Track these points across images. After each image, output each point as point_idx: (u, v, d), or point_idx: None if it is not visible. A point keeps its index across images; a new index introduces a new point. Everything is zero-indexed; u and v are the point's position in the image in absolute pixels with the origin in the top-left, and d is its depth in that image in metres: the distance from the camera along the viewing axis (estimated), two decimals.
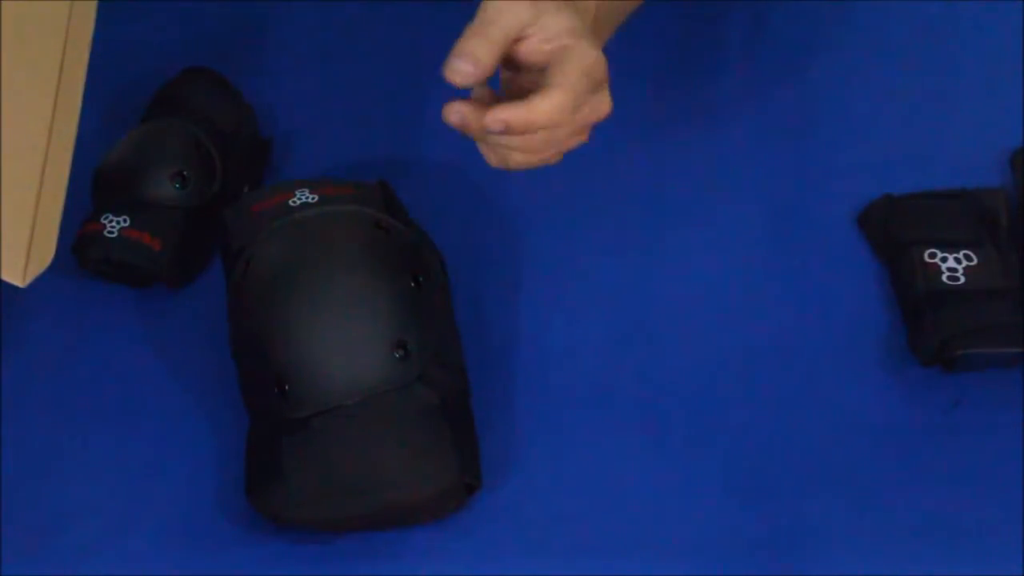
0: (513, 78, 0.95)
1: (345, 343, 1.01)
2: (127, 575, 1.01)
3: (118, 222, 1.13)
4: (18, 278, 0.94)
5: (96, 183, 1.16)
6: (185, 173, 1.14)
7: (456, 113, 0.92)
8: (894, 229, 1.13)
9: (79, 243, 1.13)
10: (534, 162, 0.94)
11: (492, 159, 0.95)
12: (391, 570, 1.01)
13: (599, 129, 0.94)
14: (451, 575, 1.01)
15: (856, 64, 1.26)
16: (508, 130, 0.89)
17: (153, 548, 1.02)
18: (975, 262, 1.09)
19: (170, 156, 1.15)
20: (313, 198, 1.06)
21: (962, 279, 1.09)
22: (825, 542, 1.01)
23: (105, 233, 1.13)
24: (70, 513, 1.04)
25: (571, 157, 1.20)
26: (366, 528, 1.01)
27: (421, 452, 1.00)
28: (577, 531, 1.02)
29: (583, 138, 0.94)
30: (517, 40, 0.92)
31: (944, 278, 1.09)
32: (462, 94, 0.94)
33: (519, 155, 0.93)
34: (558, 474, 1.04)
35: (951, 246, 1.10)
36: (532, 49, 0.92)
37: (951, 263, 1.09)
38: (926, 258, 1.10)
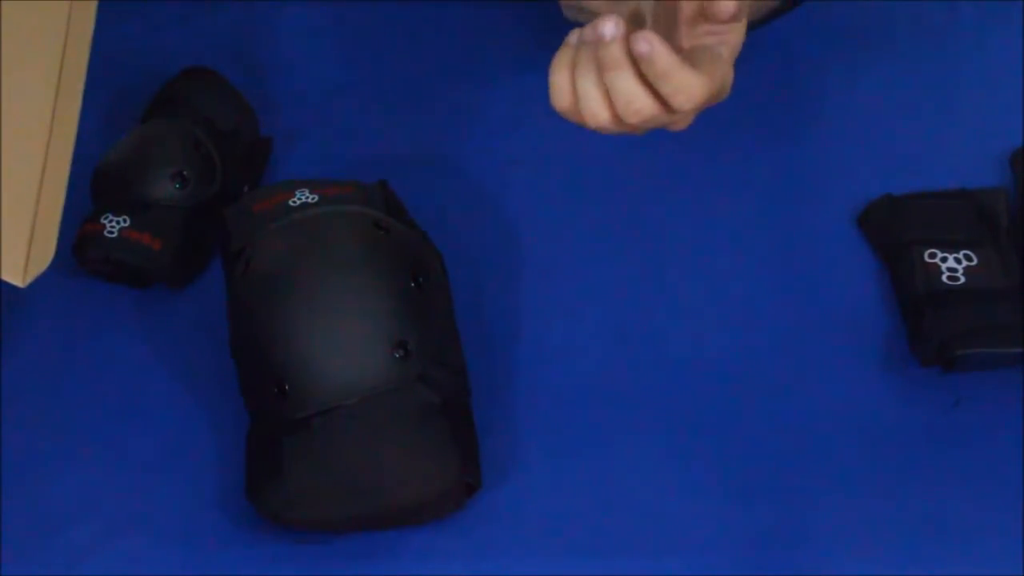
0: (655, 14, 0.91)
1: (345, 343, 1.01)
2: (127, 575, 1.01)
3: (118, 222, 1.13)
4: (18, 278, 0.94)
5: (96, 183, 1.16)
6: (185, 173, 1.14)
7: (615, 23, 0.85)
8: (894, 229, 1.13)
9: (79, 243, 1.13)
10: (608, 130, 0.88)
11: (565, 101, 0.88)
12: (391, 570, 1.01)
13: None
14: (451, 575, 1.01)
15: (856, 64, 1.26)
16: (649, 55, 0.84)
17: (153, 548, 1.02)
18: (975, 262, 1.09)
19: (170, 156, 1.15)
20: (313, 198, 1.06)
21: (962, 279, 1.09)
22: (825, 542, 1.01)
23: (105, 233, 1.13)
24: (70, 513, 1.04)
25: (571, 157, 1.20)
26: (366, 528, 1.01)
27: (421, 452, 1.00)
28: (577, 531, 1.02)
29: (642, 132, 0.91)
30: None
31: (944, 278, 1.09)
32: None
33: (607, 115, 0.87)
34: (558, 474, 1.04)
35: (951, 246, 1.10)
36: (699, 29, 0.89)
37: (951, 263, 1.09)
38: (926, 258, 1.10)
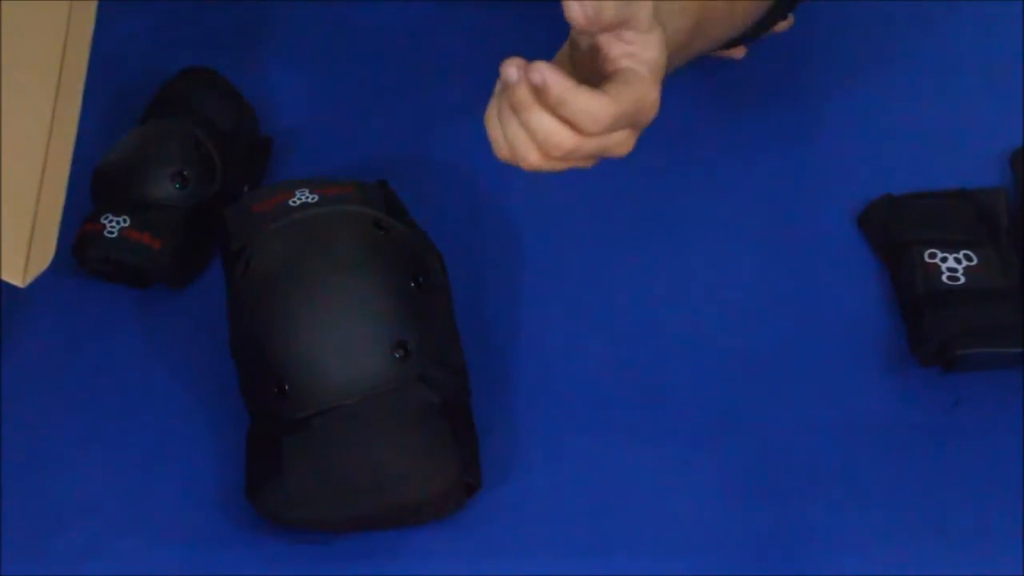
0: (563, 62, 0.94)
1: (345, 343, 1.01)
2: (127, 575, 1.01)
3: (118, 222, 1.13)
4: (18, 278, 0.94)
5: (96, 183, 1.16)
6: (185, 173, 1.14)
7: (517, 66, 0.88)
8: (894, 229, 1.13)
9: (79, 243, 1.13)
10: (544, 167, 0.91)
11: (503, 150, 0.92)
12: (391, 570, 1.01)
13: None
14: (451, 575, 1.01)
15: (856, 64, 1.26)
16: (542, 88, 0.87)
17: (153, 548, 1.02)
18: (975, 262, 1.09)
19: (170, 156, 1.15)
20: (313, 198, 1.06)
21: (962, 279, 1.09)
22: (825, 542, 1.01)
23: (105, 233, 1.13)
24: (70, 513, 1.04)
25: None
26: (366, 528, 1.01)
27: (421, 452, 1.00)
28: (577, 531, 1.02)
29: (590, 163, 0.93)
30: (613, 29, 0.90)
31: (944, 278, 1.09)
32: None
33: (535, 155, 0.90)
34: (558, 474, 1.04)
35: (951, 246, 1.10)
36: (612, 53, 0.90)
37: (951, 263, 1.09)
38: (926, 258, 1.10)
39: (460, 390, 1.04)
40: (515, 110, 0.88)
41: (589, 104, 0.87)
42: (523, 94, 0.88)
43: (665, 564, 1.00)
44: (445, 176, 1.20)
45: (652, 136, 1.22)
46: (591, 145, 0.89)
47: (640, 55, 0.90)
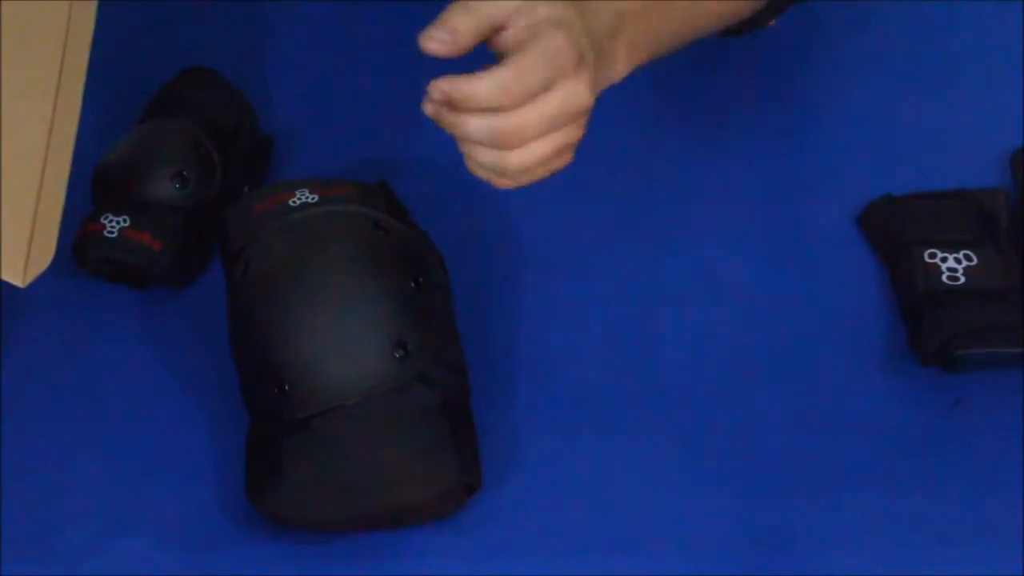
0: None
1: (345, 343, 1.01)
2: (127, 575, 1.01)
3: (118, 222, 1.13)
4: (18, 278, 0.94)
5: (96, 183, 1.16)
6: (185, 173, 1.14)
7: (428, 102, 0.89)
8: (894, 229, 1.13)
9: (79, 243, 1.13)
10: (533, 161, 0.90)
11: (500, 179, 0.92)
12: (391, 570, 1.01)
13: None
14: (451, 575, 1.01)
15: (856, 64, 1.26)
16: (448, 101, 0.87)
17: (153, 548, 1.02)
18: (975, 262, 1.09)
19: (170, 156, 1.15)
20: (313, 198, 1.06)
21: (962, 279, 1.09)
22: (825, 542, 1.01)
23: (105, 233, 1.13)
24: (70, 513, 1.04)
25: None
26: (366, 528, 1.01)
27: (421, 452, 1.00)
28: (577, 531, 1.02)
29: (576, 131, 0.91)
30: (501, 27, 0.90)
31: (944, 278, 1.09)
32: None
33: (511, 158, 0.90)
34: (558, 474, 1.04)
35: (951, 246, 1.10)
36: (510, 37, 0.90)
37: (951, 263, 1.09)
38: (926, 258, 1.10)
39: (460, 390, 1.04)
40: (456, 135, 0.89)
41: (489, 82, 0.87)
42: (447, 118, 0.88)
43: (665, 564, 1.00)
44: (445, 176, 1.20)
45: (652, 136, 1.23)
46: (533, 114, 0.88)
47: (530, 22, 0.89)
